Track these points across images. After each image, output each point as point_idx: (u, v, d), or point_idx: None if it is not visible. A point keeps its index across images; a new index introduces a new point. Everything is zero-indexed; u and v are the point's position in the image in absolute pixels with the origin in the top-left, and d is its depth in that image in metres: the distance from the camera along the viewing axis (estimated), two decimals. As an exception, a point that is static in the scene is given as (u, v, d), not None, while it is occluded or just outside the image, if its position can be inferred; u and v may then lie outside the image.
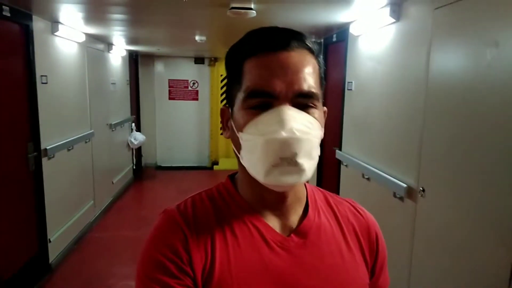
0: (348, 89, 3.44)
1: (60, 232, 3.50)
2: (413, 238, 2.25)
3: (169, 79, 7.25)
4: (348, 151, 3.46)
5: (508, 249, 1.51)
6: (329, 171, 3.83)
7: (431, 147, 2.10)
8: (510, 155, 1.53)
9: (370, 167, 2.86)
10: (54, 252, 3.38)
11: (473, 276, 1.75)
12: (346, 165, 3.45)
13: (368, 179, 2.93)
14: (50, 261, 3.30)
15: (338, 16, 3.03)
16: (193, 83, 7.32)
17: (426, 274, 2.14)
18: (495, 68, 1.62)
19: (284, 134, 0.60)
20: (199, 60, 7.20)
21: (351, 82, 3.35)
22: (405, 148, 2.40)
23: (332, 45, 3.79)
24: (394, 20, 2.51)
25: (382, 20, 2.62)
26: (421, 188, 2.15)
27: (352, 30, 3.19)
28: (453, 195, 1.90)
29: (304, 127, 0.62)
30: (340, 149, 3.59)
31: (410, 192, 2.30)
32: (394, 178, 2.48)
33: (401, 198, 2.40)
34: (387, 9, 2.48)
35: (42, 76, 3.15)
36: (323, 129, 0.66)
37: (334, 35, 3.77)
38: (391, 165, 2.59)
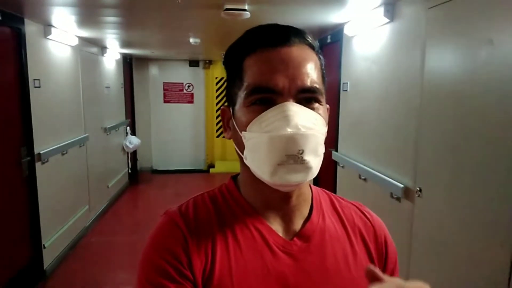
0: (343, 90, 3.44)
1: (54, 238, 3.46)
2: (411, 239, 2.24)
3: (163, 82, 7.23)
4: (344, 152, 3.45)
5: (506, 248, 1.51)
6: (325, 173, 3.82)
7: (427, 147, 2.09)
8: (507, 153, 1.52)
9: (367, 168, 2.85)
10: (48, 258, 3.34)
11: (472, 275, 1.74)
12: (342, 166, 3.44)
13: (364, 179, 2.92)
14: (45, 267, 3.26)
15: (332, 17, 3.03)
16: (188, 86, 7.30)
17: (425, 274, 2.13)
18: (490, 66, 1.62)
19: (289, 130, 0.58)
20: (193, 63, 7.19)
21: (346, 83, 3.35)
22: (402, 148, 2.40)
23: (327, 46, 3.79)
24: (388, 20, 2.51)
25: (376, 20, 2.62)
26: (418, 188, 2.14)
27: (347, 31, 3.19)
28: (450, 194, 1.89)
29: (309, 123, 0.60)
30: (336, 150, 3.58)
31: (407, 193, 2.29)
32: (390, 178, 2.47)
33: (398, 199, 2.39)
34: (381, 9, 2.48)
35: (35, 80, 3.12)
36: (327, 126, 0.65)
37: (329, 36, 3.77)
38: (388, 166, 2.59)
